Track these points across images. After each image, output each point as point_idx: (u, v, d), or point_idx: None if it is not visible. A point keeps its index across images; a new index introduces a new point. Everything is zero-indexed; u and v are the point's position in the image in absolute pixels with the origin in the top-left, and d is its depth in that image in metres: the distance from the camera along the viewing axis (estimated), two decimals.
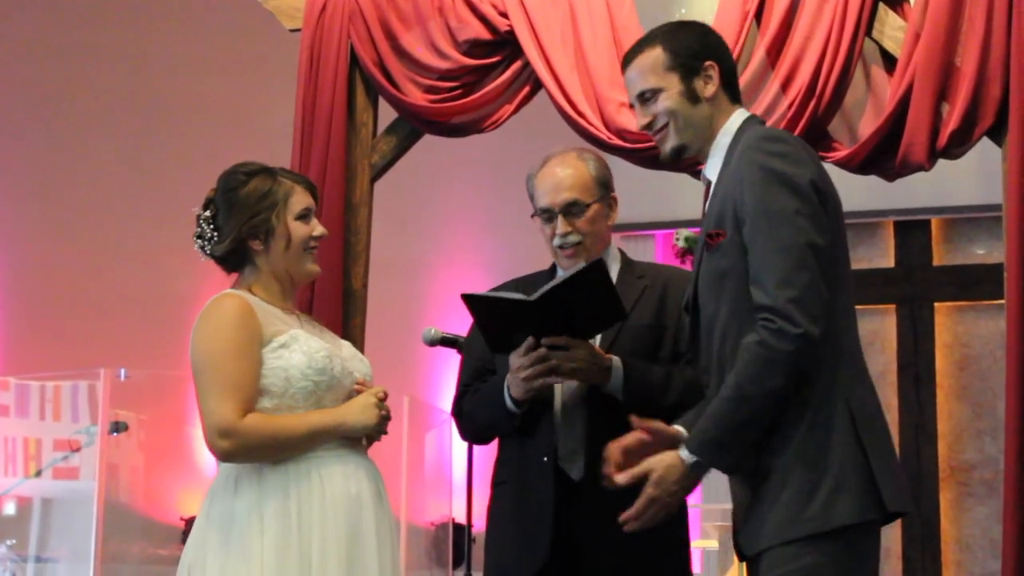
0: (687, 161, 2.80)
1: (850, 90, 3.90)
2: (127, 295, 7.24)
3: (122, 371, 5.77)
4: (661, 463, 2.49)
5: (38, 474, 5.78)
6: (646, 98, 2.68)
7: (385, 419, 2.80)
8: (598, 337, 3.04)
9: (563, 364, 2.91)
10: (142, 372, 6.07)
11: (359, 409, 2.76)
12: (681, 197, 6.32)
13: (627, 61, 2.74)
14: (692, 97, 2.64)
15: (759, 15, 3.97)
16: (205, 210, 2.85)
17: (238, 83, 7.31)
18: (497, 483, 3.17)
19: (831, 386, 2.48)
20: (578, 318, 2.91)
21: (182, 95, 7.42)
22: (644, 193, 6.41)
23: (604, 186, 3.12)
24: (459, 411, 3.18)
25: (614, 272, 3.13)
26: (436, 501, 6.33)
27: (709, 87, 2.64)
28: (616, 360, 2.99)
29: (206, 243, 2.84)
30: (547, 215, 3.09)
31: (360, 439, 2.81)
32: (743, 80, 3.90)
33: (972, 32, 3.73)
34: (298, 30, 4.47)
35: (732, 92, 2.68)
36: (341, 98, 4.36)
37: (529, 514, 3.03)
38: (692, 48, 2.66)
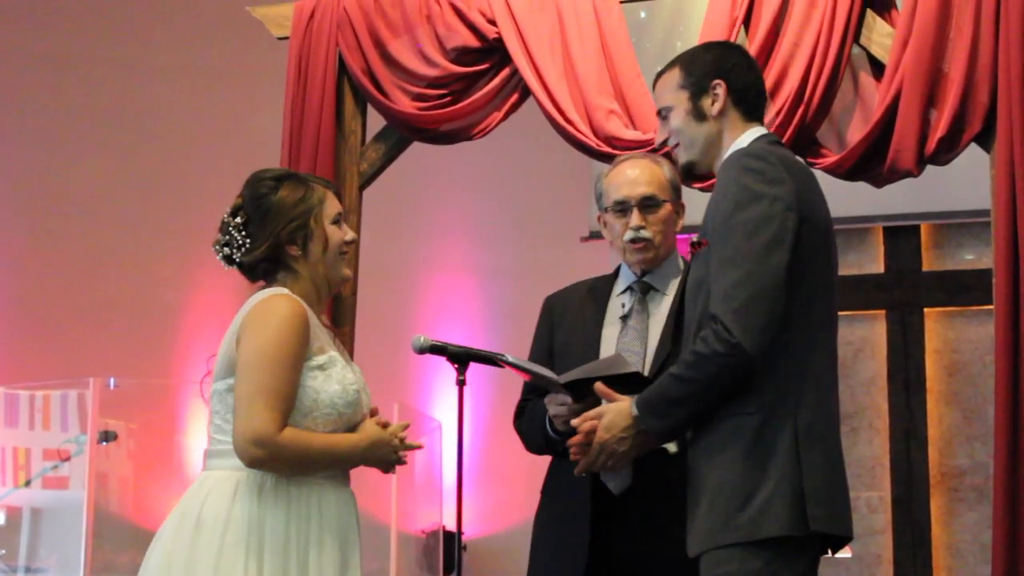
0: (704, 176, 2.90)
1: (838, 97, 3.90)
2: (116, 304, 7.22)
3: (111, 380, 5.76)
4: (613, 408, 2.68)
5: (27, 484, 5.76)
6: (662, 116, 2.83)
7: (401, 460, 2.82)
8: (651, 353, 3.05)
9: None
10: (131, 381, 6.05)
11: (386, 450, 2.77)
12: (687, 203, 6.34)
13: (656, 80, 2.88)
14: (698, 115, 2.76)
15: (747, 22, 3.96)
16: (235, 217, 2.79)
17: (226, 91, 7.29)
18: (544, 491, 3.23)
19: (782, 403, 2.56)
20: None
21: (171, 104, 7.41)
22: None
23: (676, 190, 3.20)
24: (517, 428, 3.27)
25: (675, 282, 3.16)
26: (427, 508, 6.33)
27: (716, 105, 2.74)
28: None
29: (235, 250, 2.78)
30: (621, 207, 3.14)
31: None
32: None
33: (960, 38, 3.74)
34: (286, 38, 4.47)
35: (747, 109, 2.77)
36: (329, 106, 4.36)
37: (568, 526, 3.08)
38: (704, 68, 2.77)
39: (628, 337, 3.12)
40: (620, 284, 3.21)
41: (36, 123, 7.58)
